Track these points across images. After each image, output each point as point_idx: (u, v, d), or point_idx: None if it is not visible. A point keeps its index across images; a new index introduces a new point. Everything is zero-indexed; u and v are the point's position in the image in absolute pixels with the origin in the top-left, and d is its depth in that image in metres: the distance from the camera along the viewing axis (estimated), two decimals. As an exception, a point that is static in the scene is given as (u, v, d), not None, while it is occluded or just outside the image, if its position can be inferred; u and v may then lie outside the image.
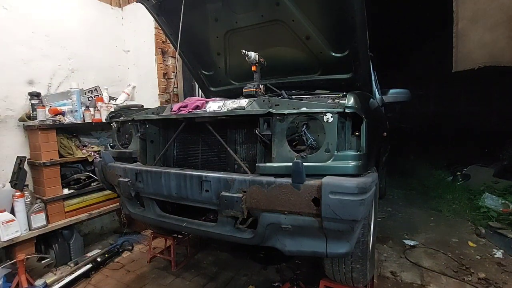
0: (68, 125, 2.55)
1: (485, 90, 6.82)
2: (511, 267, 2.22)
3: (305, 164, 1.20)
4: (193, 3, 2.01)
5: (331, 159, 1.22)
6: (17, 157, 2.32)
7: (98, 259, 2.41)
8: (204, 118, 1.57)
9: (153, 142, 1.87)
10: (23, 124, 2.47)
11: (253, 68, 1.88)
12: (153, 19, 2.38)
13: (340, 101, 1.29)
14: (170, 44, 3.00)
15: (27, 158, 2.44)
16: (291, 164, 1.20)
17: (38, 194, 2.45)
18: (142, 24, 3.27)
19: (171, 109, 1.74)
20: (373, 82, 2.44)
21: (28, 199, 2.29)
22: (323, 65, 2.13)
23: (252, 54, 1.83)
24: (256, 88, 1.76)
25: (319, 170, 1.22)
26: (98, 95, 2.93)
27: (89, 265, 2.33)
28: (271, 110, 1.32)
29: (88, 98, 2.88)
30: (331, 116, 1.22)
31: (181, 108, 1.68)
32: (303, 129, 1.29)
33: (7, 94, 2.43)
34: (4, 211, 2.12)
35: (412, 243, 2.65)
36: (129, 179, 1.70)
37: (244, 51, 1.79)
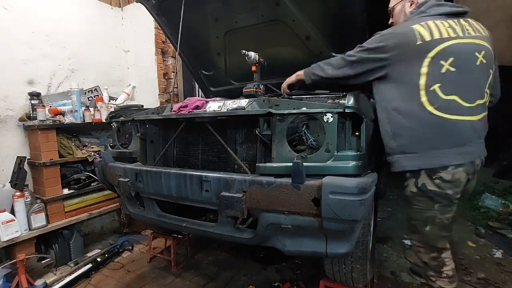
0: (68, 125, 2.55)
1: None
2: (511, 267, 2.22)
3: (305, 164, 1.20)
4: (193, 3, 2.01)
5: (331, 159, 1.22)
6: (17, 157, 2.32)
7: (98, 259, 2.41)
8: (204, 118, 1.57)
9: (153, 142, 1.87)
10: (23, 124, 2.47)
11: (253, 68, 1.88)
12: (153, 19, 2.38)
13: (340, 101, 1.28)
14: (170, 44, 3.00)
15: (27, 158, 2.44)
16: (291, 164, 1.20)
17: (38, 194, 2.45)
18: (142, 24, 3.27)
19: (171, 109, 1.73)
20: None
21: (28, 199, 2.29)
22: (323, 65, 2.13)
23: (252, 54, 1.83)
24: (256, 88, 1.76)
25: (319, 170, 1.22)
26: (98, 95, 2.93)
27: (89, 265, 2.33)
28: (271, 110, 1.32)
29: (88, 98, 2.88)
30: (331, 116, 1.22)
31: (181, 108, 1.68)
32: (303, 129, 1.28)
33: (7, 94, 2.43)
34: (4, 211, 2.12)
35: (412, 243, 2.65)
36: (129, 179, 1.70)
37: (244, 51, 1.79)
